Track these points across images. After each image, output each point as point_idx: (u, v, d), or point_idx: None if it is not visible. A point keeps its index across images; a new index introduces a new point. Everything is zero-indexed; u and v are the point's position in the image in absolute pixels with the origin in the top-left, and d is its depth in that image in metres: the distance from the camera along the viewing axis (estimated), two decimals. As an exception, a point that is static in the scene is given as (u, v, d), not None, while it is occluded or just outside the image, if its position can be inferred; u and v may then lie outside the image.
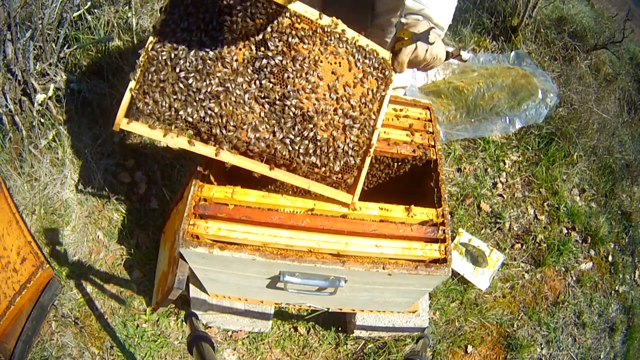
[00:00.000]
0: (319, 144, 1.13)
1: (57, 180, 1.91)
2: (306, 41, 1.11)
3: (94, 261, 1.88)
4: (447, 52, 1.25)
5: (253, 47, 1.09)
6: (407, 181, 1.48)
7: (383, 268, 1.15)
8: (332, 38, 1.13)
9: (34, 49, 1.83)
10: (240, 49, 1.08)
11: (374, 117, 1.21)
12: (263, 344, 1.82)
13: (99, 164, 1.98)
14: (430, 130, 1.42)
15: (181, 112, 1.04)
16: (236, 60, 1.07)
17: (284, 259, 1.13)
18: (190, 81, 1.05)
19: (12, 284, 1.48)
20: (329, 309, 1.63)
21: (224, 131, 1.06)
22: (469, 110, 2.46)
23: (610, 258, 2.41)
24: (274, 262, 1.13)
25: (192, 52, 1.05)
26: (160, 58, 1.04)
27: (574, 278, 2.30)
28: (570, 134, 2.60)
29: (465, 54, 1.29)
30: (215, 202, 1.17)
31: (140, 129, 1.03)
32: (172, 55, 1.04)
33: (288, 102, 1.10)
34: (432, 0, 1.21)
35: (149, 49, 1.04)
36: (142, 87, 1.03)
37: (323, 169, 1.14)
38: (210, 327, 1.80)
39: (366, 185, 1.69)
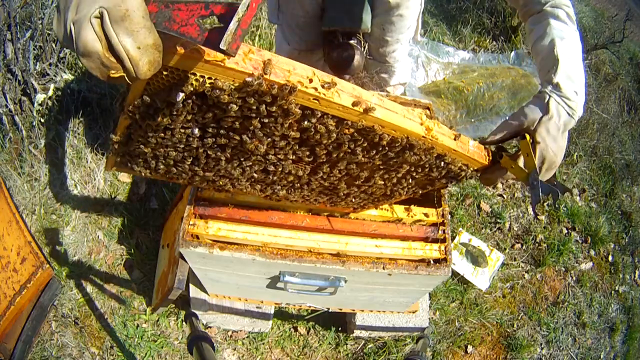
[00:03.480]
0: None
1: (57, 180, 1.91)
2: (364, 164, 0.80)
3: (94, 261, 1.88)
4: (555, 183, 0.85)
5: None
6: (407, 181, 1.48)
7: (383, 268, 1.15)
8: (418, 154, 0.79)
9: (34, 49, 1.83)
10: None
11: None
12: (263, 344, 1.82)
13: (99, 164, 1.98)
14: (430, 130, 1.42)
15: (176, 177, 0.87)
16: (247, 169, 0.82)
17: (284, 259, 1.13)
18: (185, 165, 0.81)
19: (12, 284, 1.48)
20: (329, 309, 1.63)
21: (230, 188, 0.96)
22: (469, 110, 2.46)
23: (610, 258, 2.40)
24: (274, 262, 1.13)
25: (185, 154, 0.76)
26: (141, 148, 0.75)
27: (574, 278, 2.29)
28: (570, 134, 2.59)
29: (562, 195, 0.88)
30: (215, 202, 1.17)
31: (132, 173, 0.90)
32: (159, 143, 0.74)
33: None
34: (580, 77, 0.85)
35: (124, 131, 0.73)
36: (125, 154, 0.80)
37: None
38: (210, 327, 1.80)
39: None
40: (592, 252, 2.38)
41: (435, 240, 1.20)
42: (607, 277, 2.36)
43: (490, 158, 0.86)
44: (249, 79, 0.59)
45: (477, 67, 2.65)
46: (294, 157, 0.78)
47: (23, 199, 1.84)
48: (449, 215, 1.24)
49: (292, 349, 1.85)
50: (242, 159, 0.78)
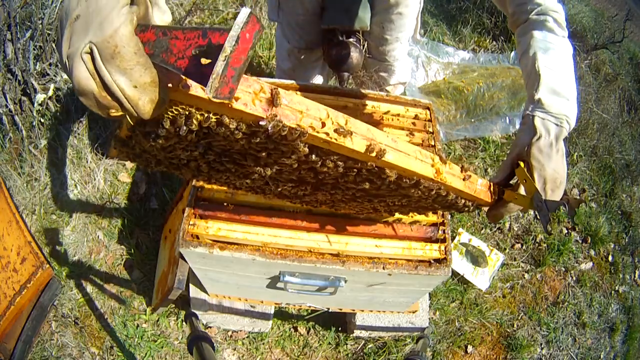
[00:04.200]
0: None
1: (57, 180, 1.91)
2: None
3: (94, 261, 1.88)
4: (569, 200, 0.82)
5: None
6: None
7: (383, 268, 1.15)
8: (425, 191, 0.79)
9: (34, 49, 1.83)
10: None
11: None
12: (263, 344, 1.82)
13: (99, 164, 1.98)
14: (430, 130, 1.42)
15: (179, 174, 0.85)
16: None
17: (284, 259, 1.13)
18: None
19: (12, 284, 1.48)
20: (329, 309, 1.63)
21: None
22: (469, 110, 2.46)
23: (610, 258, 2.40)
24: (274, 262, 1.13)
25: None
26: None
27: (574, 278, 2.29)
28: (570, 134, 2.59)
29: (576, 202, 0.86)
30: (215, 202, 1.17)
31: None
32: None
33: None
34: (572, 90, 0.83)
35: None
36: (128, 154, 0.75)
37: None
38: (210, 327, 1.80)
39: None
40: (592, 252, 2.38)
41: (435, 240, 1.20)
42: (607, 277, 2.36)
43: (495, 196, 0.85)
44: (262, 123, 0.54)
45: (477, 67, 2.65)
46: (297, 178, 0.77)
47: (23, 199, 1.84)
48: (449, 215, 1.24)
49: (292, 349, 1.85)
50: (245, 174, 0.76)
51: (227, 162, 0.71)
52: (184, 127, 0.55)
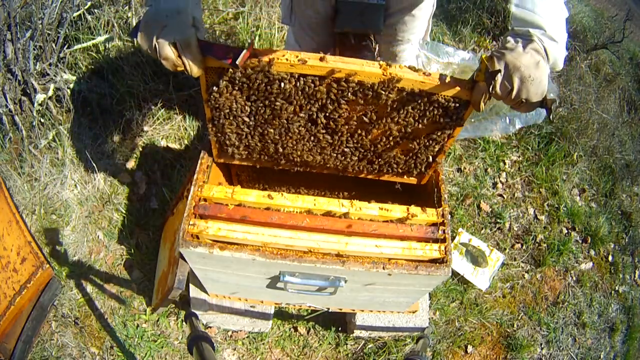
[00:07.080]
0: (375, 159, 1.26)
1: (57, 180, 1.91)
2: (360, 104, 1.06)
3: (94, 261, 1.88)
4: (545, 99, 0.92)
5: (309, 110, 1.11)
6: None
7: (383, 268, 1.15)
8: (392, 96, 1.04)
9: (34, 49, 1.83)
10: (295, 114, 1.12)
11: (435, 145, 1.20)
12: (263, 344, 1.82)
13: (99, 164, 1.98)
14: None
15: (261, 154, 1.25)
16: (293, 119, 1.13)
17: (284, 259, 1.13)
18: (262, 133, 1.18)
19: (12, 284, 1.48)
20: (329, 309, 1.63)
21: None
22: (469, 110, 2.46)
23: (610, 258, 2.41)
24: (274, 262, 1.13)
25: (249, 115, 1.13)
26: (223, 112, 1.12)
27: (574, 278, 2.29)
28: (570, 134, 2.60)
29: (555, 106, 0.96)
30: (215, 202, 1.17)
31: (233, 159, 1.28)
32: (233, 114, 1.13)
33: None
34: (541, 5, 0.93)
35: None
36: (220, 142, 1.22)
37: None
38: (210, 327, 1.80)
39: (366, 185, 1.68)
40: (592, 252, 2.38)
41: (435, 240, 1.20)
42: (607, 277, 2.36)
43: (471, 84, 1.01)
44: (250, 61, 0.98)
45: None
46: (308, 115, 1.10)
47: (23, 199, 1.84)
48: (449, 215, 1.24)
49: (292, 349, 1.85)
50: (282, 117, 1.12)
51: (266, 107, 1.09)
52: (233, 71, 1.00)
